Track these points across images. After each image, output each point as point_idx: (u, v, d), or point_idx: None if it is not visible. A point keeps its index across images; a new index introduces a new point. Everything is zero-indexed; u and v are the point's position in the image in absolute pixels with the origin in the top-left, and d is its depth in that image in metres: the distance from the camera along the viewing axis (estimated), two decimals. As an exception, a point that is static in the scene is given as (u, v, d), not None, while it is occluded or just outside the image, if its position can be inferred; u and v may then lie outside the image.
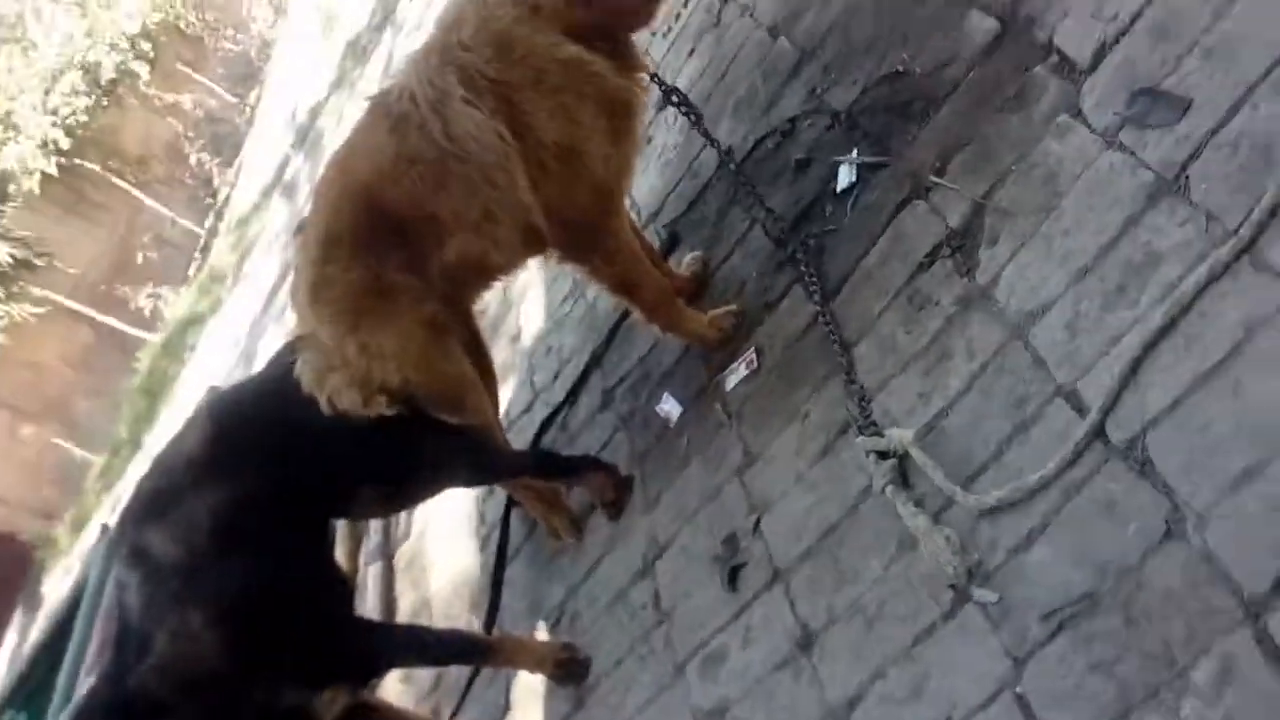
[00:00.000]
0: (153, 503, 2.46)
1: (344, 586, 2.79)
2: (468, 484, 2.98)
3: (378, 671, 2.69)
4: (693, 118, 2.89)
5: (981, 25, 2.43)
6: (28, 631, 9.39)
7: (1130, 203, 1.85)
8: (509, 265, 2.73)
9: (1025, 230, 2.04)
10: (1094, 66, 2.07)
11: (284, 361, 2.64)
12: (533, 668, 2.64)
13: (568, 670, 2.59)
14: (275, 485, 2.46)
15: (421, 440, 2.59)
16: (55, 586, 9.99)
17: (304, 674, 2.41)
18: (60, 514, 11.96)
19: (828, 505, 2.15)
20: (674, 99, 2.88)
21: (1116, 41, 2.05)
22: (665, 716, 2.27)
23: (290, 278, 2.62)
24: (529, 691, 2.78)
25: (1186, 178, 1.78)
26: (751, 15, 3.53)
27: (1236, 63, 1.78)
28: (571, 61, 2.37)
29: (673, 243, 3.24)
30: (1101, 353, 1.76)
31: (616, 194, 2.64)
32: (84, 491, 11.17)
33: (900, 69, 2.64)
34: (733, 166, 2.97)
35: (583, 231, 2.59)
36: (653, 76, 2.72)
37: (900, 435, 2.01)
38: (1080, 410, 1.74)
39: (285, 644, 2.38)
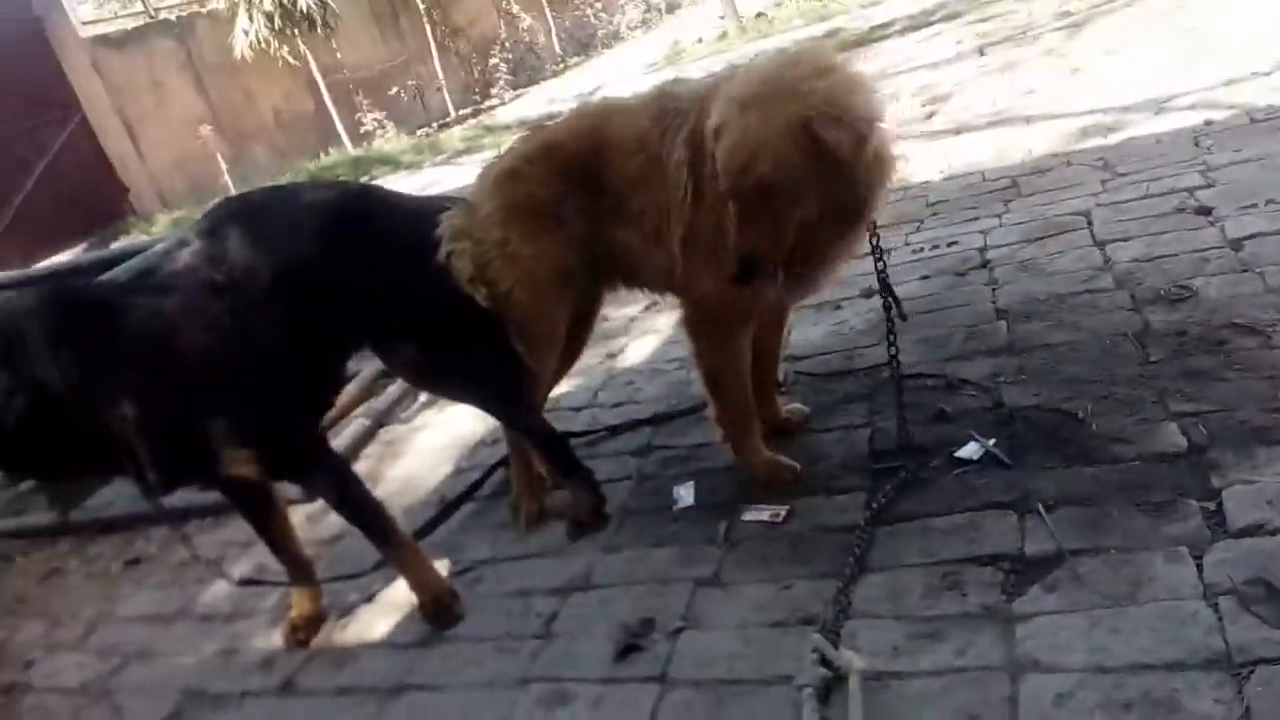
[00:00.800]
0: (251, 210, 2.61)
1: (326, 401, 2.87)
2: (487, 405, 3.00)
3: (299, 476, 2.70)
4: (892, 313, 2.93)
5: (1171, 437, 2.49)
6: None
7: (1189, 652, 1.85)
8: (650, 286, 2.90)
9: (1084, 602, 2.05)
10: (1240, 536, 2.10)
11: (433, 202, 2.88)
12: (414, 586, 2.65)
13: (438, 611, 2.60)
14: (348, 286, 2.58)
15: (481, 336, 2.69)
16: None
17: (242, 422, 2.45)
18: (174, 208, 12.45)
19: (747, 663, 2.14)
20: (889, 296, 2.90)
21: (1273, 535, 2.07)
22: (480, 708, 2.25)
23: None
24: (393, 604, 2.78)
25: (1252, 672, 1.78)
26: (994, 290, 3.65)
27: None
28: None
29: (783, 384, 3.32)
30: (1068, 736, 1.74)
31: (746, 316, 2.68)
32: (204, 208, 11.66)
33: (1080, 416, 2.70)
34: (889, 375, 3.04)
35: (703, 314, 2.68)
36: (881, 278, 2.83)
37: (852, 660, 2.01)
38: (1015, 760, 1.72)
39: (247, 390, 2.45)
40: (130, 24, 13.98)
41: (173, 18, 14.35)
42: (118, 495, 3.82)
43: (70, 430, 2.32)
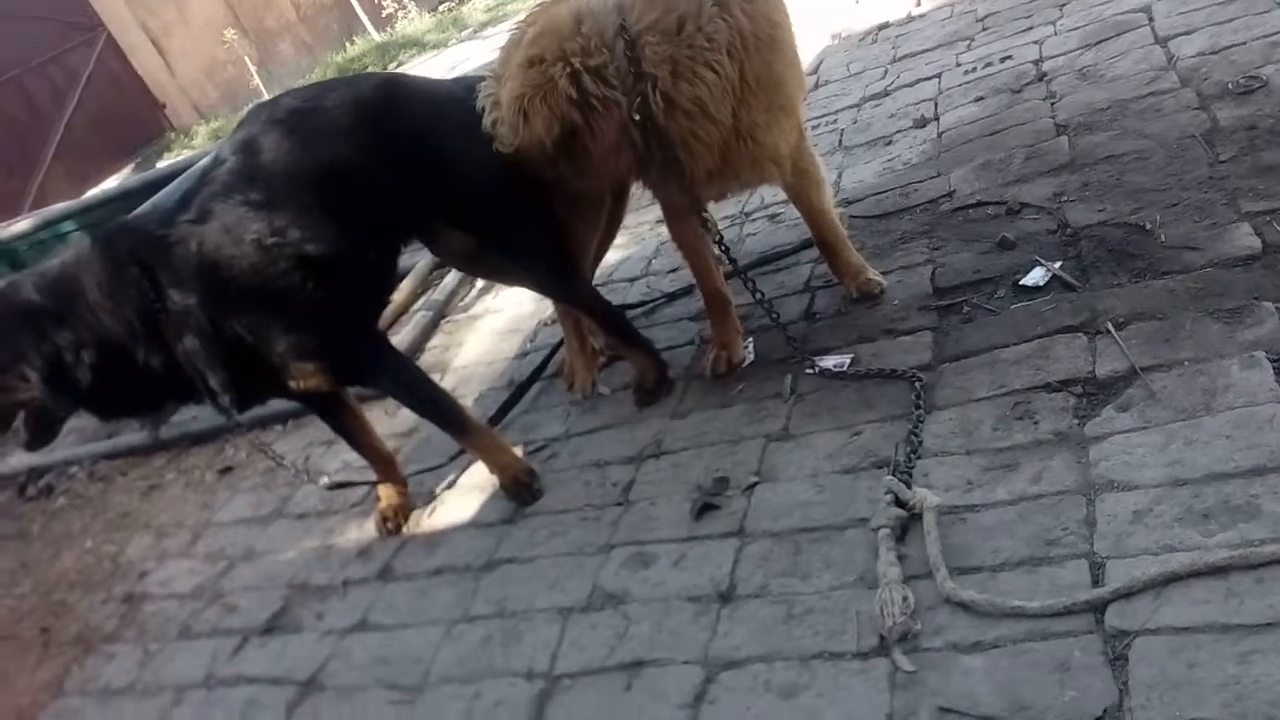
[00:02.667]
0: (280, 117, 2.56)
1: (382, 301, 2.89)
2: (541, 283, 3.00)
3: (366, 379, 2.77)
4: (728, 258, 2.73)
5: (1244, 239, 2.39)
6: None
7: (1268, 457, 1.82)
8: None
9: (1158, 418, 2.02)
10: (1320, 332, 2.03)
11: (462, 81, 2.80)
12: (493, 469, 2.73)
13: (519, 489, 2.68)
14: (386, 179, 2.55)
15: (527, 211, 2.66)
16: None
17: (299, 337, 2.49)
18: (210, 118, 12.42)
19: (823, 509, 2.18)
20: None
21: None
22: (569, 575, 2.34)
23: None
24: (476, 486, 2.87)
25: (1331, 469, 1.75)
26: (1052, 104, 3.48)
27: None
28: None
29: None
30: (1149, 551, 1.75)
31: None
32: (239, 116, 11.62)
33: (1148, 226, 2.61)
34: (947, 209, 2.96)
35: None
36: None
37: (925, 496, 2.02)
38: (1097, 581, 1.74)
39: (300, 306, 2.46)
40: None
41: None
42: (202, 408, 3.97)
43: (142, 370, 2.40)
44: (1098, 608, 1.69)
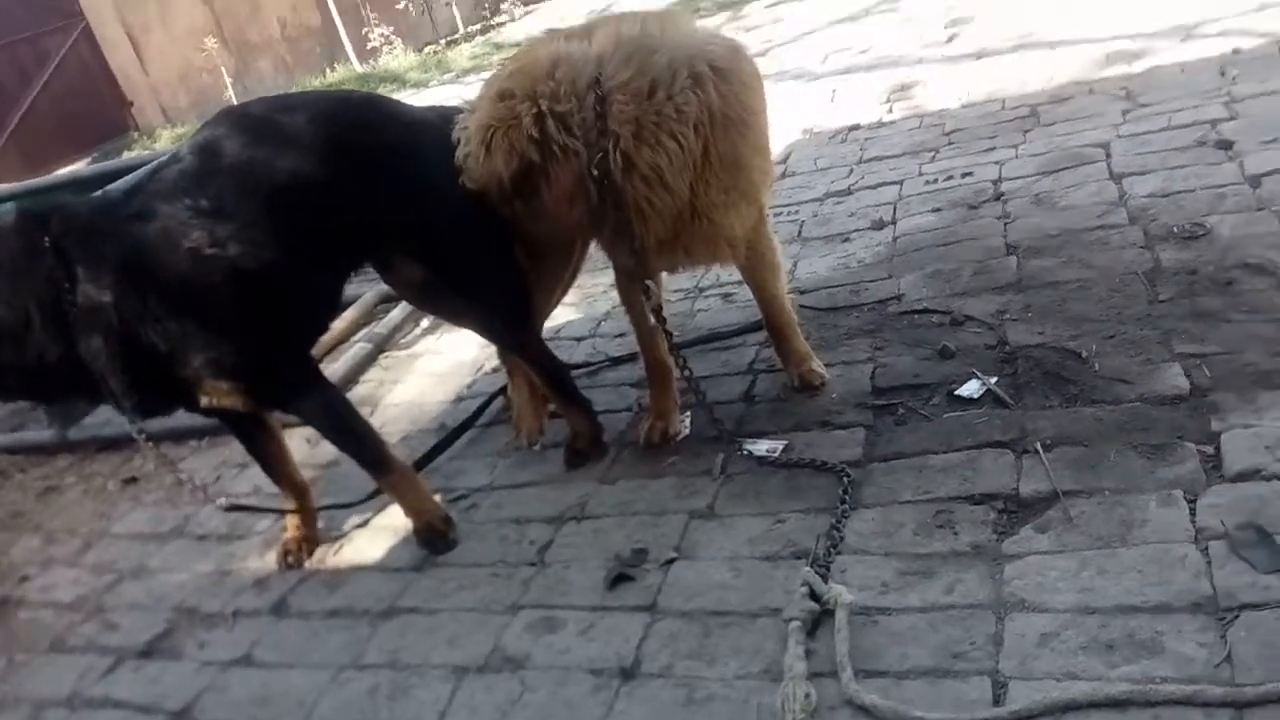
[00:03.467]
0: (248, 121, 2.50)
1: (321, 326, 2.80)
2: (492, 327, 2.93)
3: (287, 405, 2.64)
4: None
5: (1173, 380, 2.45)
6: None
7: (1175, 596, 1.84)
8: None
9: (1074, 543, 2.04)
10: (1235, 480, 2.07)
11: (440, 110, 2.78)
12: (409, 512, 2.65)
13: (433, 536, 2.60)
14: (350, 199, 2.49)
15: (489, 252, 2.63)
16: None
17: (220, 355, 2.37)
18: (176, 123, 12.26)
19: (737, 594, 2.15)
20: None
21: (1269, 481, 2.04)
22: (471, 632, 2.27)
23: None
24: (388, 528, 2.80)
25: (1237, 617, 1.76)
26: (1006, 224, 3.58)
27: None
28: None
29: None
30: (1052, 675, 1.75)
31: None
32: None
33: (1083, 354, 2.67)
34: (894, 311, 3.01)
35: None
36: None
37: (840, 593, 2.01)
38: (998, 700, 1.73)
39: (227, 323, 2.35)
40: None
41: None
42: (116, 413, 3.83)
43: (33, 361, 2.27)
44: (998, 727, 1.68)
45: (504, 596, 2.37)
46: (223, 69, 12.56)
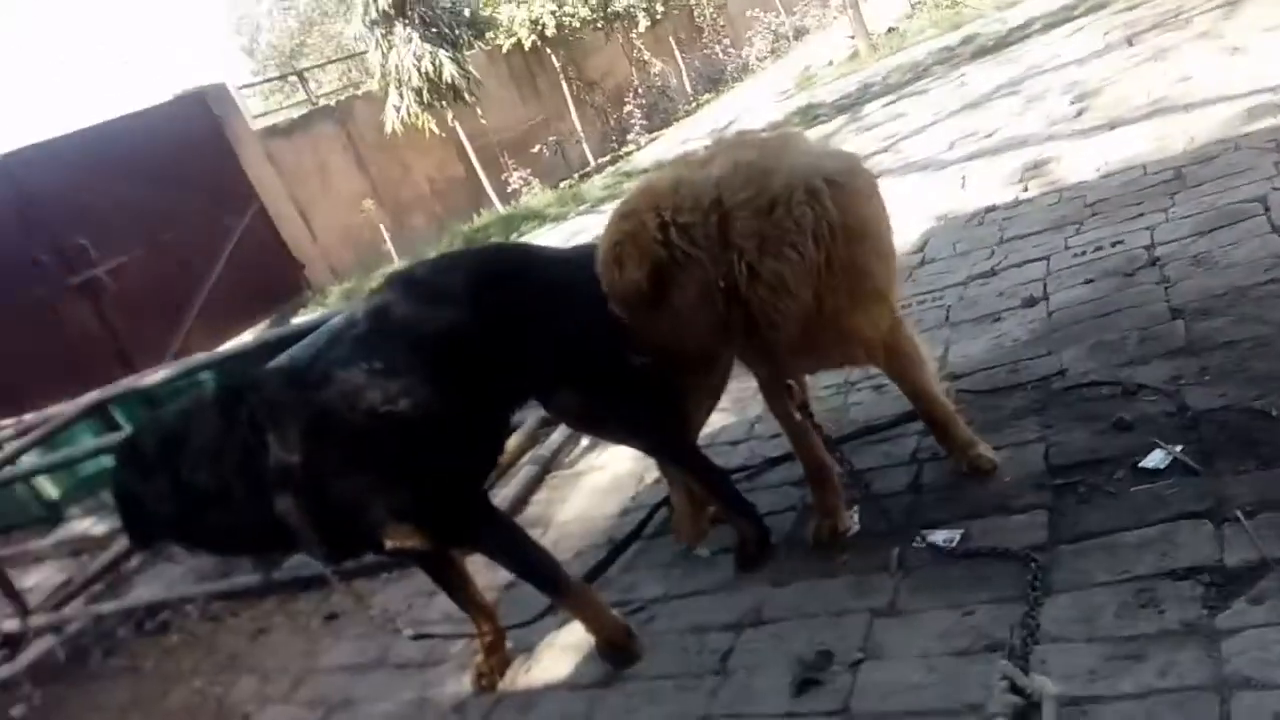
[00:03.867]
0: (416, 283, 2.74)
1: (491, 461, 2.96)
2: (649, 444, 3.04)
3: (464, 541, 2.80)
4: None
5: (1383, 433, 2.29)
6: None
7: None
8: None
9: (1294, 614, 1.91)
10: None
11: (580, 248, 2.94)
12: (591, 628, 2.71)
13: (614, 651, 2.65)
14: (505, 342, 2.66)
15: (641, 377, 2.72)
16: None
17: (401, 501, 2.56)
18: (344, 278, 13.27)
19: (933, 694, 2.09)
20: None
21: None
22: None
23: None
24: (573, 645, 2.86)
25: None
26: (1166, 289, 3.46)
27: None
28: None
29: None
30: (1292, 759, 1.63)
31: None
32: (371, 277, 12.39)
33: (1274, 414, 2.53)
34: (1059, 387, 2.94)
35: None
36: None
37: (1045, 684, 1.93)
38: (1232, 786, 1.62)
39: (407, 472, 2.54)
40: (295, 113, 15.10)
41: (332, 103, 15.43)
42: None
43: (235, 520, 2.51)
44: (1236, 819, 1.57)
45: (692, 709, 2.37)
46: (381, 226, 13.58)
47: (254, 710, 3.29)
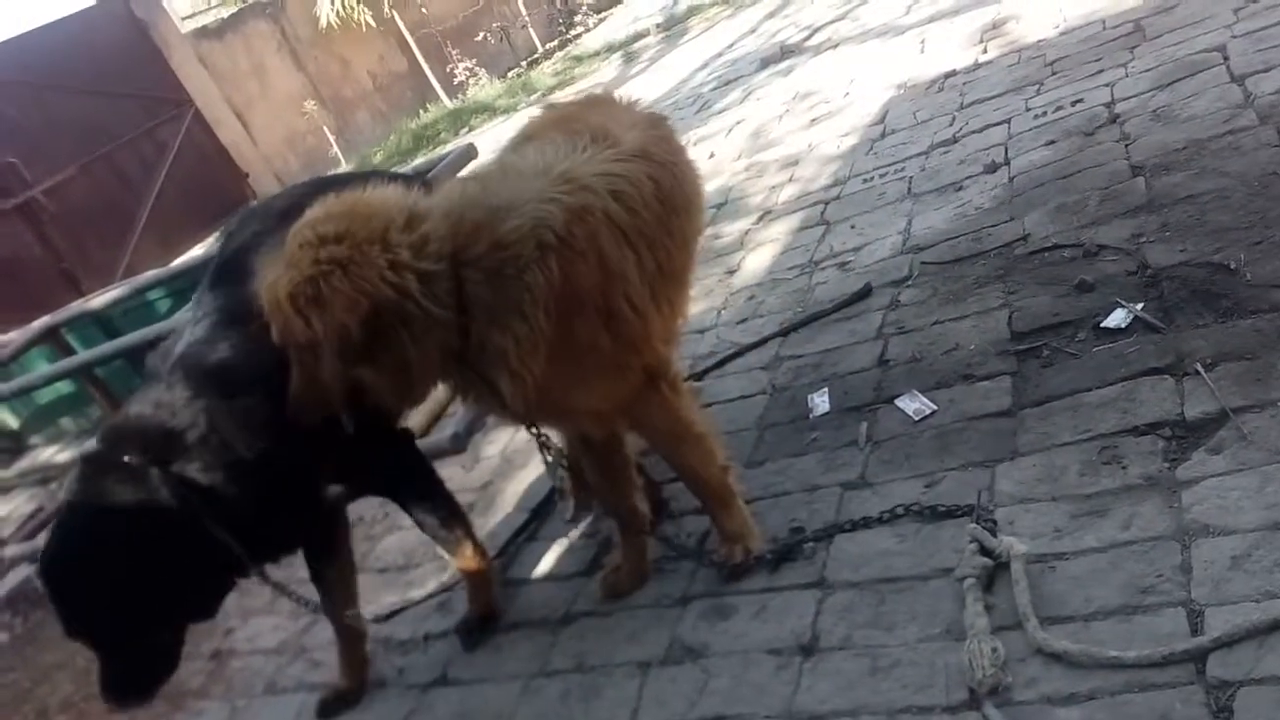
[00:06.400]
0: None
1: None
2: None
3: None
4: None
5: (1338, 275, 2.31)
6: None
7: (1373, 498, 1.74)
8: None
9: (1252, 460, 1.96)
10: None
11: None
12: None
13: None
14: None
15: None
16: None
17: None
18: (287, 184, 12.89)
19: (904, 559, 2.14)
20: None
21: None
22: (647, 628, 2.33)
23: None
24: (551, 537, 2.90)
25: None
26: (1127, 146, 3.43)
27: None
28: None
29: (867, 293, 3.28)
30: (1250, 597, 1.69)
31: None
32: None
33: (1232, 265, 2.54)
34: (1022, 252, 2.93)
35: None
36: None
37: (1013, 545, 1.98)
38: (1196, 630, 1.68)
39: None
40: (225, 11, 14.37)
41: (263, -1, 14.68)
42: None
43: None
44: (1198, 657, 1.63)
45: (672, 589, 2.42)
46: (325, 128, 13.13)
47: (238, 623, 3.30)
